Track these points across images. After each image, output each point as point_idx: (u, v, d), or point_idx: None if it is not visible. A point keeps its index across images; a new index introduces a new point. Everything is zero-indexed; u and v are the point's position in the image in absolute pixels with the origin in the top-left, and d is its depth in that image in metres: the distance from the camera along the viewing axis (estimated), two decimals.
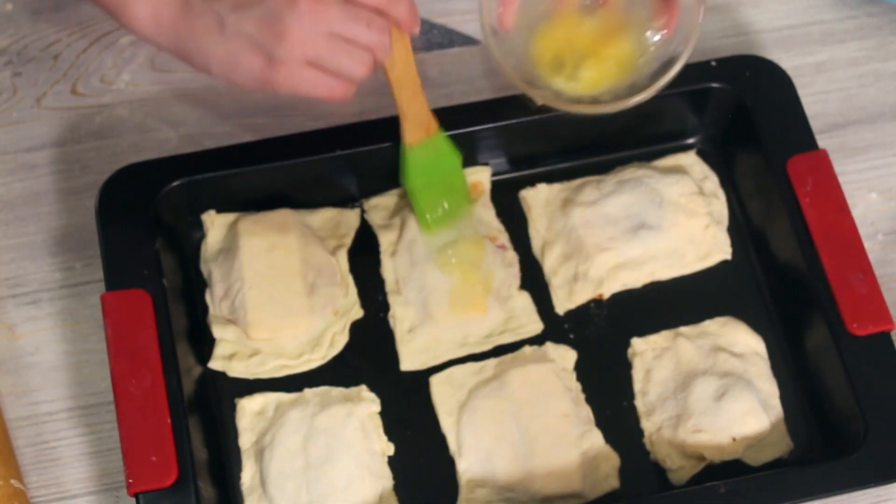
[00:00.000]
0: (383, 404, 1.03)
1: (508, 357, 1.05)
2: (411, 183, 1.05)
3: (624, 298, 1.08)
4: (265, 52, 0.90)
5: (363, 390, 1.04)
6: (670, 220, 1.08)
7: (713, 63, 1.10)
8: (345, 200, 1.11)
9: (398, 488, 1.01)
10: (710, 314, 1.07)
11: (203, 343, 1.06)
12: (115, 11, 0.93)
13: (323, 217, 1.10)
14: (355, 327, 1.07)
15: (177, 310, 1.03)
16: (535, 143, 1.11)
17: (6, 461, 1.00)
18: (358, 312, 1.07)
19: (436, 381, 1.04)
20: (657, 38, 1.01)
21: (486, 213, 1.10)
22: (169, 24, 0.92)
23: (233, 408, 1.03)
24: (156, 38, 0.93)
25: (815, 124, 1.08)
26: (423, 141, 1.04)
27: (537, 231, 1.10)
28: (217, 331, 1.05)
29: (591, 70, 1.02)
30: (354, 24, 0.91)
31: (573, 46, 1.02)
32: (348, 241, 1.10)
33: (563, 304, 1.08)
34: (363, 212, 1.11)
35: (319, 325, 1.05)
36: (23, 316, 1.08)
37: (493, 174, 1.12)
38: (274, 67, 0.90)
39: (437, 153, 1.05)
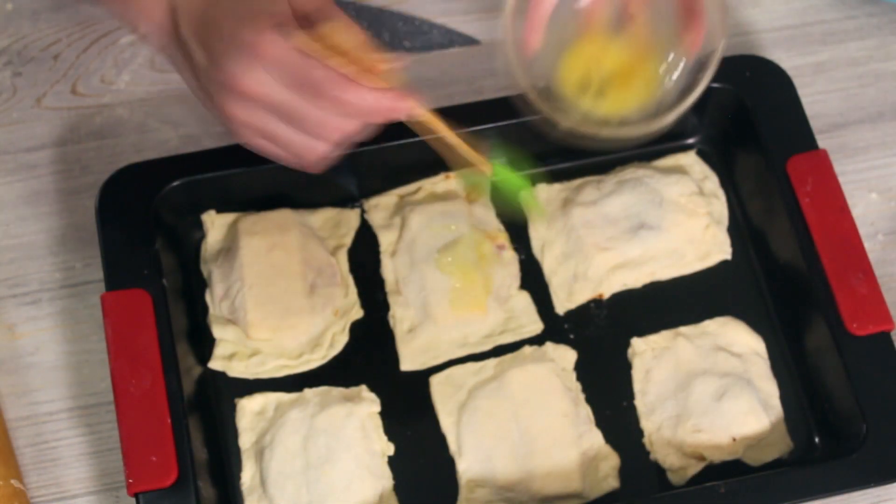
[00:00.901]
0: (383, 404, 1.03)
1: (508, 357, 1.05)
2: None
3: (624, 298, 1.08)
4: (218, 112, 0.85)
5: (363, 390, 1.04)
6: (670, 220, 1.08)
7: None
8: (345, 200, 1.11)
9: (398, 488, 1.01)
10: (710, 314, 1.07)
11: (203, 343, 1.06)
12: (125, 21, 0.90)
13: (323, 217, 1.10)
14: (355, 327, 1.07)
15: (177, 310, 1.03)
16: (535, 143, 1.11)
17: (6, 461, 1.00)
18: (358, 312, 1.07)
19: (436, 381, 1.04)
20: (683, 57, 0.99)
21: (486, 213, 1.10)
22: (164, 49, 0.88)
23: (233, 408, 1.03)
24: (160, 54, 0.90)
25: (815, 124, 1.08)
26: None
27: (537, 231, 1.10)
28: (217, 331, 1.05)
29: (619, 91, 1.00)
30: (304, 107, 0.82)
31: (601, 67, 1.01)
32: (348, 241, 1.10)
33: (562, 304, 1.08)
34: (363, 212, 1.11)
35: (319, 325, 1.05)
36: (23, 316, 1.08)
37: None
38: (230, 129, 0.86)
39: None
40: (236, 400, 1.03)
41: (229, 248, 1.07)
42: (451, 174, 1.11)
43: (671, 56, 0.99)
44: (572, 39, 1.00)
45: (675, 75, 1.00)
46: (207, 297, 1.07)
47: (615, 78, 1.01)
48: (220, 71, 0.80)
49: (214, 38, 0.81)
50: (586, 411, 1.03)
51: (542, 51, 1.00)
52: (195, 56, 0.83)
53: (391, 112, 0.81)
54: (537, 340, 1.06)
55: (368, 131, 0.85)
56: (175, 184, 1.05)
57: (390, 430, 1.02)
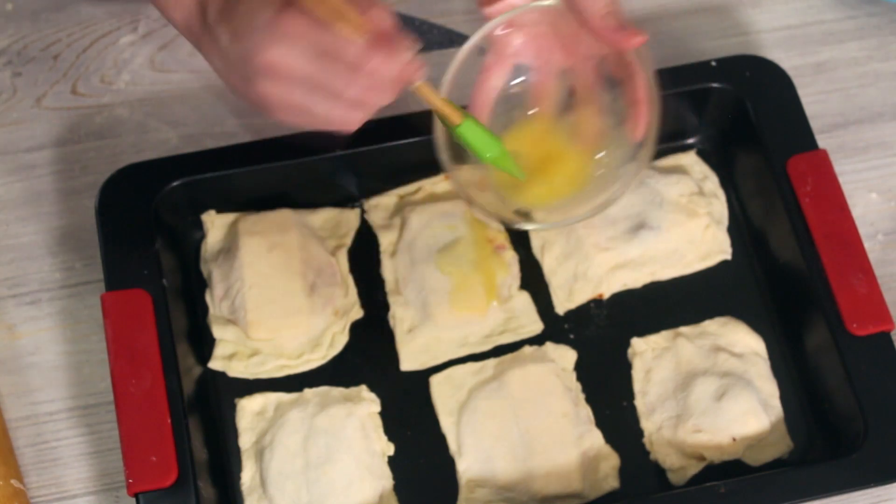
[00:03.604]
0: (383, 404, 1.03)
1: (508, 357, 1.05)
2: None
3: (624, 298, 1.08)
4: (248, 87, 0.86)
5: (363, 390, 1.04)
6: (670, 220, 1.08)
7: (713, 63, 1.10)
8: (345, 200, 1.11)
9: (398, 488, 1.01)
10: (710, 314, 1.06)
11: (203, 343, 1.06)
12: (159, 8, 0.93)
13: (323, 217, 1.10)
14: (355, 327, 1.07)
15: (177, 310, 1.03)
16: None
17: (6, 461, 1.00)
18: (358, 312, 1.07)
19: (436, 381, 1.04)
20: (619, 146, 0.98)
21: None
22: (193, 34, 0.90)
23: (233, 408, 1.03)
24: (190, 41, 0.92)
25: (815, 124, 1.08)
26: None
27: (537, 231, 1.10)
28: (217, 331, 1.05)
29: (555, 178, 1.00)
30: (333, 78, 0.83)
31: (544, 157, 1.00)
32: (348, 241, 1.10)
33: (563, 304, 1.08)
34: (363, 212, 1.11)
35: (319, 325, 1.05)
36: (23, 316, 1.08)
37: None
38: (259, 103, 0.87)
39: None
40: (236, 400, 1.03)
41: (229, 248, 1.07)
42: None
43: (609, 145, 0.99)
44: (515, 126, 1.00)
45: (612, 163, 0.99)
46: (207, 297, 1.07)
47: (552, 165, 1.00)
48: (244, 50, 0.83)
49: (237, 20, 0.84)
50: (586, 411, 1.03)
51: None
52: (221, 40, 0.85)
53: (408, 80, 0.85)
54: (537, 340, 1.06)
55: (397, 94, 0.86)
56: (175, 184, 1.05)
57: (390, 430, 1.02)
